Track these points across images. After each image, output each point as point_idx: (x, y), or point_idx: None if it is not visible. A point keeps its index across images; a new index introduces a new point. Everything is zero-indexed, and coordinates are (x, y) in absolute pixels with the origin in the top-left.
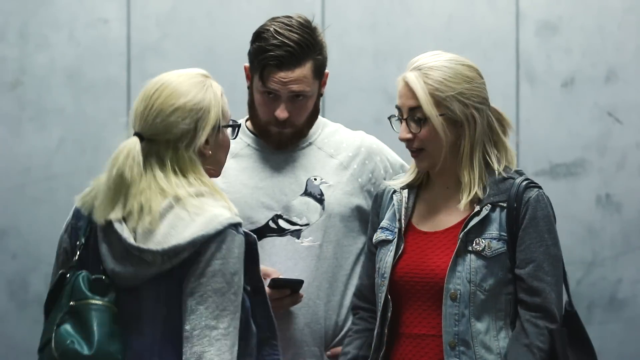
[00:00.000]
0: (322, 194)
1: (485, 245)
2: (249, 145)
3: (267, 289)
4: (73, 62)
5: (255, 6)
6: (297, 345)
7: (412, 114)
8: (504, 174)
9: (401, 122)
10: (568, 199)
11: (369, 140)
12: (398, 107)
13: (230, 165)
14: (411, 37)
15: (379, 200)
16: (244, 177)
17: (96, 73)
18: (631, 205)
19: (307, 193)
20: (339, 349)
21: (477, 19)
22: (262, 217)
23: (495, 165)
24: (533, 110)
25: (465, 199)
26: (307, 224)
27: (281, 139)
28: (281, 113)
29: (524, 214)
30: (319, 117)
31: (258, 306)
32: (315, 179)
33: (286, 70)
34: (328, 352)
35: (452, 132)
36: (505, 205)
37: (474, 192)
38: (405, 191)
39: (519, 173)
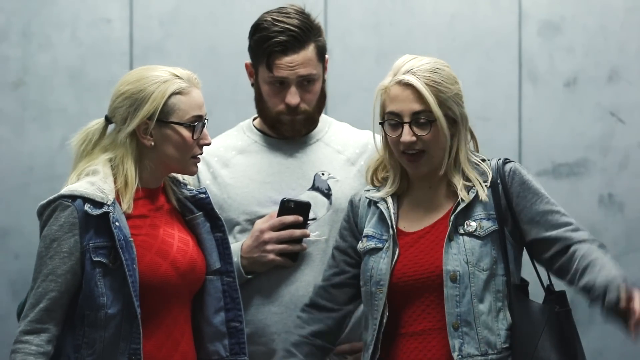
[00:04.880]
0: (329, 189)
1: (476, 226)
2: (255, 142)
3: (274, 222)
4: (76, 62)
5: (257, 6)
6: None
7: (415, 117)
8: (478, 158)
9: (401, 127)
10: (570, 199)
11: (376, 139)
12: (394, 112)
13: (238, 160)
14: (414, 37)
15: (355, 208)
16: (252, 172)
17: (99, 73)
18: (634, 205)
19: (314, 188)
20: (344, 346)
21: (480, 19)
22: (269, 212)
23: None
24: (535, 110)
25: (483, 191)
26: (314, 219)
27: (294, 127)
28: (292, 99)
29: (510, 183)
30: (326, 116)
31: (113, 280)
32: (323, 174)
33: (292, 54)
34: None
35: (449, 133)
36: (488, 184)
37: (480, 183)
38: (389, 198)
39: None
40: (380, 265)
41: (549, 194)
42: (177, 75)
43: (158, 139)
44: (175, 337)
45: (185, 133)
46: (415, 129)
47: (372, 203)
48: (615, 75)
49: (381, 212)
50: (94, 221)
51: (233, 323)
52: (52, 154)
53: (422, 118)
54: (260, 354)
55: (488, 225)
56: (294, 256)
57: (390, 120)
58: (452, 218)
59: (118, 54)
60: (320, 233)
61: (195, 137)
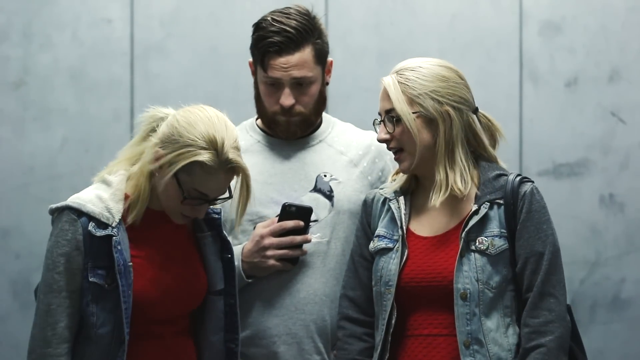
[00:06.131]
0: (331, 191)
1: (488, 244)
2: (259, 142)
3: (275, 225)
4: (76, 62)
5: (258, 6)
6: (302, 341)
7: (388, 115)
8: (497, 172)
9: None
10: (571, 199)
11: None
12: (378, 112)
13: None
14: (414, 37)
15: (368, 208)
16: (254, 173)
17: (99, 73)
18: (634, 205)
19: (316, 189)
20: None
21: (481, 19)
22: (271, 213)
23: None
24: (536, 110)
25: (440, 196)
26: (315, 220)
27: (289, 128)
28: (285, 100)
29: (520, 208)
30: (330, 116)
31: (107, 301)
32: (325, 176)
33: (286, 55)
34: (335, 351)
35: (428, 131)
36: (502, 202)
37: (450, 189)
38: (401, 198)
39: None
40: (390, 265)
41: (550, 194)
42: (216, 149)
43: (160, 175)
44: (165, 351)
45: (177, 194)
46: (388, 126)
47: (386, 201)
48: (616, 75)
49: (393, 212)
50: (96, 242)
51: (229, 344)
52: (52, 154)
53: (392, 116)
54: (261, 356)
55: (500, 244)
56: (294, 260)
57: (377, 119)
58: (463, 235)
59: (119, 54)
60: (322, 235)
61: (185, 203)
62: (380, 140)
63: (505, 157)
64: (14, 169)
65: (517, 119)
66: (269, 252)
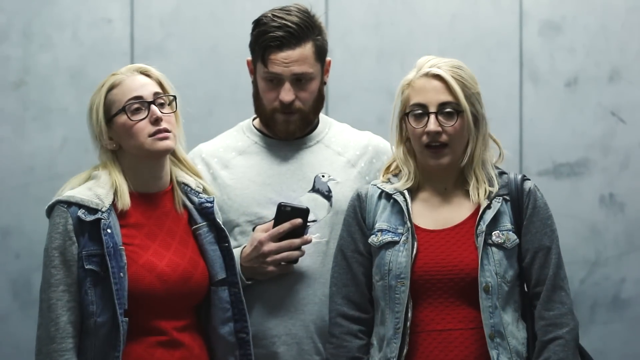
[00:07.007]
0: (330, 191)
1: (504, 238)
2: (256, 142)
3: (272, 230)
4: (76, 62)
5: (258, 6)
6: (302, 342)
7: (442, 108)
8: (498, 170)
9: (426, 117)
10: (571, 199)
11: (376, 140)
12: (420, 103)
13: (238, 162)
14: (414, 37)
15: (362, 203)
16: (252, 174)
17: (100, 73)
18: (634, 205)
19: (315, 190)
20: None
21: (481, 19)
22: (269, 213)
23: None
24: (536, 110)
25: (482, 195)
26: (314, 221)
27: (288, 127)
28: (286, 95)
29: (527, 204)
30: (326, 117)
31: (104, 288)
32: (323, 176)
33: (287, 50)
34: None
35: (469, 130)
36: (508, 198)
37: (486, 187)
38: (406, 192)
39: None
40: (400, 258)
41: (550, 194)
42: (114, 73)
43: (116, 139)
44: (169, 348)
45: (123, 118)
46: (441, 119)
47: (383, 196)
48: (616, 75)
49: (395, 205)
50: (87, 227)
51: (240, 334)
52: (52, 153)
53: (448, 108)
54: (261, 356)
55: (513, 238)
56: (293, 260)
57: (416, 110)
58: (484, 228)
59: (119, 54)
60: (321, 235)
61: (133, 118)
62: (433, 132)
63: (505, 157)
64: (14, 169)
65: (517, 119)
66: (269, 259)
